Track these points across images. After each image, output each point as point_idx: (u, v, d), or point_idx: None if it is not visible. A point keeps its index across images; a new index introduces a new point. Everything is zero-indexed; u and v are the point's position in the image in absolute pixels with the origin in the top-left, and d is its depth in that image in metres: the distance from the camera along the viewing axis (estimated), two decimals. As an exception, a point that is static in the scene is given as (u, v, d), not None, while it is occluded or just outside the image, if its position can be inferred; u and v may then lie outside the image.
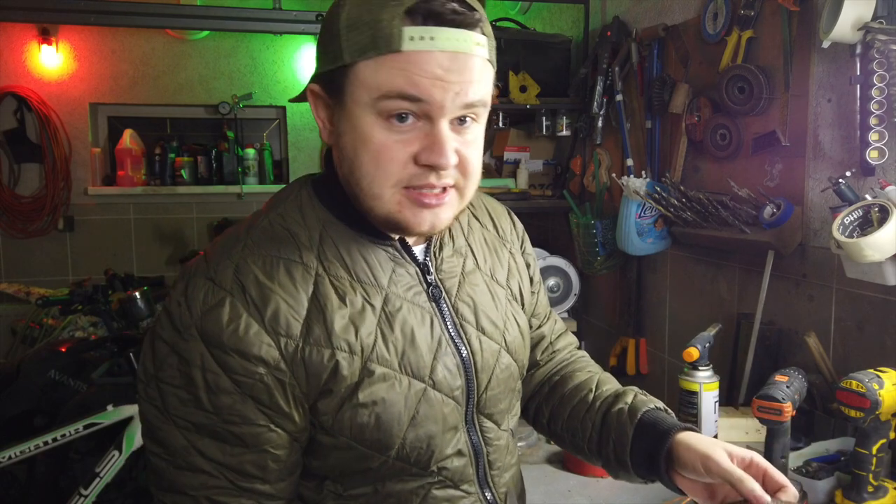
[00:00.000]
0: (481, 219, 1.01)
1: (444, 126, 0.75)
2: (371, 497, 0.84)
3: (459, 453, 0.88)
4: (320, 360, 0.76)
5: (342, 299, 0.79)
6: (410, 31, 0.71)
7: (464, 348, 0.87)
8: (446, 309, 0.87)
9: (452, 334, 0.87)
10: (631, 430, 0.92)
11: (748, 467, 0.82)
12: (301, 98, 0.85)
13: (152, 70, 4.20)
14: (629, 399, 0.96)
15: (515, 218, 1.08)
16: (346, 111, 0.76)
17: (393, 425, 0.80)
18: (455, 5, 0.73)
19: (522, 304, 1.00)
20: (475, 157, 0.80)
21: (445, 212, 0.79)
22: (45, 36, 3.96)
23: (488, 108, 0.80)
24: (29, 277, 4.03)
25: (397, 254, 0.84)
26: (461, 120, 0.77)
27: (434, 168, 0.75)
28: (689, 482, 0.86)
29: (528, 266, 1.05)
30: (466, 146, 0.78)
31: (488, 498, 0.91)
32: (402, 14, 0.71)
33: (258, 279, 0.76)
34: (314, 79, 0.80)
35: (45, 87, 4.05)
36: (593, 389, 1.02)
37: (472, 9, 0.74)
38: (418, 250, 0.88)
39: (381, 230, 0.82)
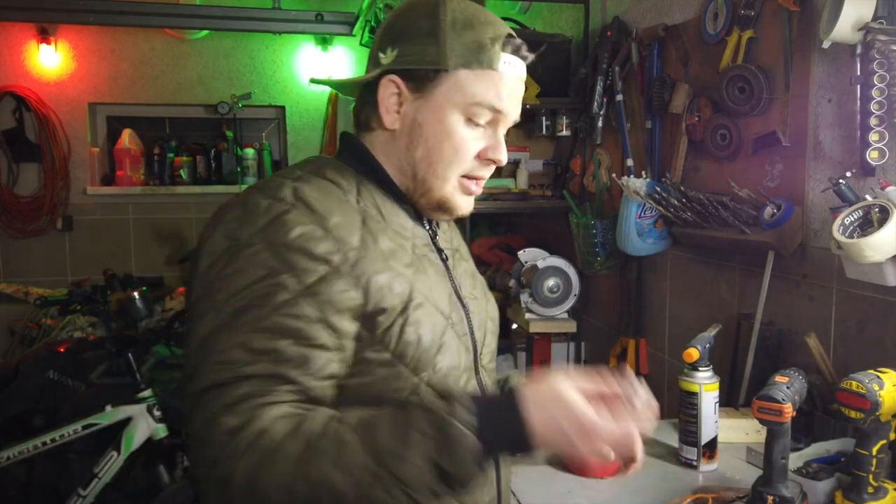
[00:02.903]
0: None
1: (503, 132, 0.95)
2: None
3: None
4: (375, 273, 0.84)
5: (384, 235, 0.89)
6: (505, 56, 0.92)
7: (462, 308, 0.99)
8: (448, 272, 1.00)
9: (459, 292, 0.99)
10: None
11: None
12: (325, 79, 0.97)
13: (151, 70, 4.19)
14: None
15: None
16: (434, 106, 0.91)
17: (430, 348, 0.89)
18: (525, 45, 0.95)
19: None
20: None
21: (474, 199, 0.98)
22: (44, 35, 3.94)
23: None
24: (27, 277, 4.01)
25: (415, 215, 0.97)
26: None
27: (493, 163, 0.95)
28: None
29: None
30: None
31: None
32: (501, 41, 0.91)
33: (318, 197, 0.85)
34: (392, 72, 0.91)
35: (44, 86, 4.04)
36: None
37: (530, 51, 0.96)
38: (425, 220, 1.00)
39: (425, 212, 0.97)
